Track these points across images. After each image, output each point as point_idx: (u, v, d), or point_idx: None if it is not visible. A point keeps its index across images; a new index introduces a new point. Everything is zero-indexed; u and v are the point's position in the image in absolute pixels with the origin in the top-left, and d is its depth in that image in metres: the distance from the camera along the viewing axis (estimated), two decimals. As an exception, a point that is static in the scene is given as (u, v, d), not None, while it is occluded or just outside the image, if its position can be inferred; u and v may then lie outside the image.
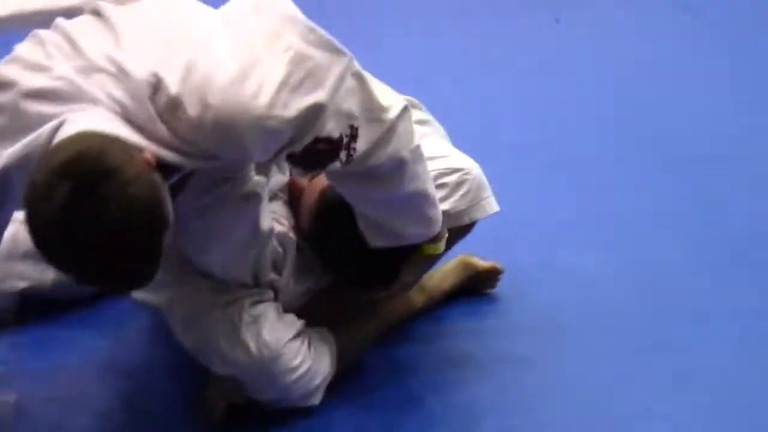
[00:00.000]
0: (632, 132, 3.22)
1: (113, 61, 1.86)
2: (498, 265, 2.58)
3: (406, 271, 2.28)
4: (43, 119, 1.84)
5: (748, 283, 2.61)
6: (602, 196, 2.94)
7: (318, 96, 1.87)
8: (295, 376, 2.21)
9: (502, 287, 2.59)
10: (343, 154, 1.96)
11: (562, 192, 2.95)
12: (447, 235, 2.26)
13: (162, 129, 1.84)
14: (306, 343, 2.23)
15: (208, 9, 1.99)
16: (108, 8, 1.95)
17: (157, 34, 1.91)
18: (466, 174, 2.30)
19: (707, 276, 2.65)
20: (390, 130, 2.00)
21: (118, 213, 1.73)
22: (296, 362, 2.20)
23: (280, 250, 2.21)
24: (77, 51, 1.89)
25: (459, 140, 2.45)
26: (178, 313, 2.19)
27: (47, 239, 1.75)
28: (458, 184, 2.29)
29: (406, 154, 2.04)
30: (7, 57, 1.94)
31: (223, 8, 1.97)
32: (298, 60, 1.88)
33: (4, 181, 1.89)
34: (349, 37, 1.96)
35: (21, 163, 1.85)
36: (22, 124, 1.85)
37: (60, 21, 1.98)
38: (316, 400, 2.26)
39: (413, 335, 2.48)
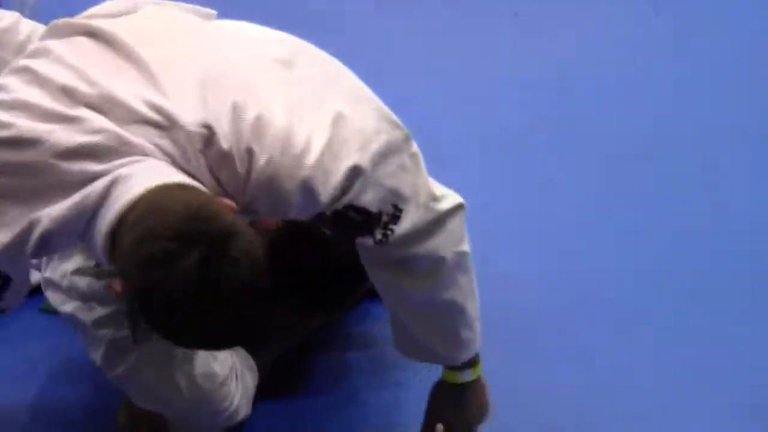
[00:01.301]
0: (571, 129, 3.07)
1: (157, 109, 1.70)
2: None
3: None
4: (87, 178, 1.67)
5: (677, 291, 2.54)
6: (535, 195, 2.83)
7: (357, 159, 1.75)
8: (223, 417, 2.11)
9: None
10: (378, 233, 1.82)
11: (494, 191, 2.81)
12: (476, 365, 2.08)
13: (209, 181, 1.71)
14: (235, 378, 2.12)
15: (224, 30, 1.85)
16: (111, 31, 1.76)
17: (192, 67, 1.74)
18: None
19: (634, 282, 2.57)
20: (437, 222, 1.86)
21: (249, 271, 1.62)
22: (226, 404, 2.10)
23: None
24: (107, 95, 1.70)
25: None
26: (106, 336, 2.02)
27: (175, 313, 1.61)
28: None
29: (448, 254, 1.89)
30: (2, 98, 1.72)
31: (248, 35, 1.84)
32: (343, 122, 1.76)
33: (43, 242, 1.71)
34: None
35: (68, 225, 1.68)
36: (59, 183, 1.68)
37: (48, 45, 1.78)
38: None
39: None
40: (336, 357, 2.38)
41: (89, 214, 1.67)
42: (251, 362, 2.20)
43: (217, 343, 1.72)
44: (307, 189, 1.73)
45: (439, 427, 2.09)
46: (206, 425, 2.13)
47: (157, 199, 1.63)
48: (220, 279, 1.60)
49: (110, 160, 1.68)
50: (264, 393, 2.22)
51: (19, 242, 1.72)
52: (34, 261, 2.26)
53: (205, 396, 2.06)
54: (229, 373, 2.10)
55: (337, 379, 2.33)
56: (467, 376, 2.08)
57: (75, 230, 1.70)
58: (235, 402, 2.12)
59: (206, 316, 1.62)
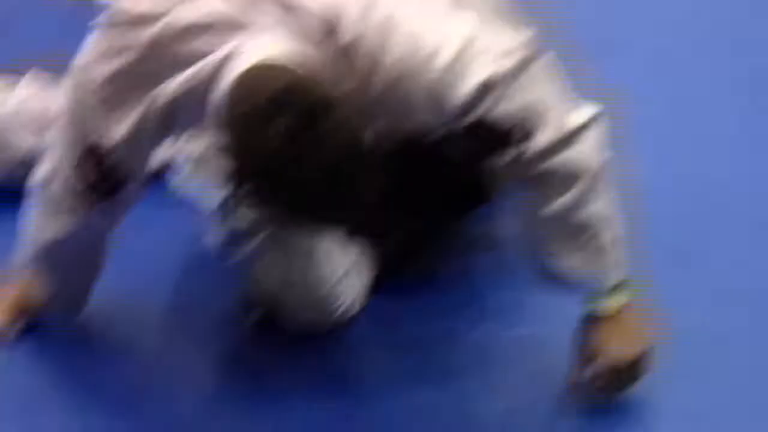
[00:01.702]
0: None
1: None
2: None
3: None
4: (204, 54, 1.70)
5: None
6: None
7: (491, 71, 1.71)
8: (334, 316, 2.15)
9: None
10: (511, 150, 1.78)
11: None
12: (623, 290, 1.93)
13: (329, 74, 1.68)
14: (349, 277, 2.15)
15: None
16: None
17: None
18: None
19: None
20: (573, 135, 1.80)
21: (340, 146, 1.60)
22: (337, 305, 2.14)
23: None
24: None
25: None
26: (230, 220, 2.09)
27: (260, 174, 1.63)
28: None
29: (585, 168, 1.82)
30: None
31: None
32: (479, 34, 1.72)
33: (170, 111, 1.76)
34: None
35: (186, 95, 1.73)
36: (178, 61, 1.72)
37: None
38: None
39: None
40: (455, 258, 2.34)
41: (205, 84, 1.70)
42: (366, 258, 2.21)
43: (296, 215, 1.70)
44: (434, 93, 1.70)
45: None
46: (317, 321, 2.16)
47: (266, 68, 1.64)
48: (307, 147, 1.59)
49: (230, 36, 1.69)
50: (378, 289, 2.22)
51: (144, 121, 1.78)
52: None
53: (317, 296, 2.11)
54: (343, 274, 2.13)
55: (455, 279, 2.30)
56: (611, 303, 1.93)
57: (194, 102, 1.72)
58: (347, 303, 2.15)
59: (286, 186, 1.62)
